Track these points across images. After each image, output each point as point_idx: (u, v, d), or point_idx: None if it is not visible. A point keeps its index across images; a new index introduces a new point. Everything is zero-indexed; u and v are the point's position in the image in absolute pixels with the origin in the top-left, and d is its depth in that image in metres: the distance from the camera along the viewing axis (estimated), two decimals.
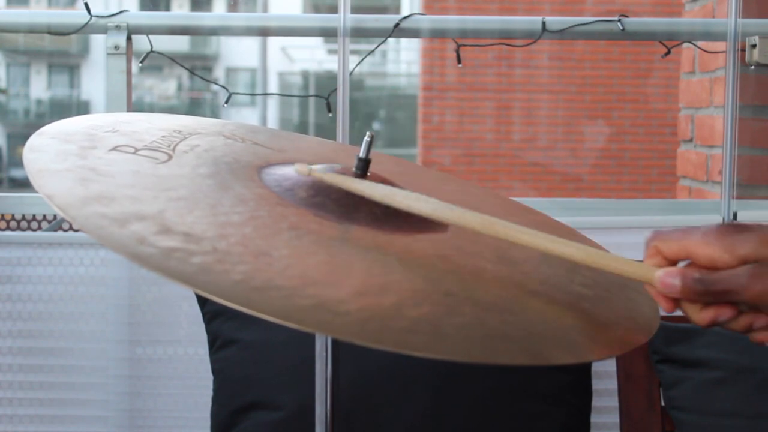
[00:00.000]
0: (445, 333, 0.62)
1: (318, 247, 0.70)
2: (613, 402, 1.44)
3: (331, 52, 14.00)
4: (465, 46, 1.72)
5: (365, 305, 0.62)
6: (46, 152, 0.74)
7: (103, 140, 0.79)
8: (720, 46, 1.77)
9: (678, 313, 0.71)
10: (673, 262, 0.69)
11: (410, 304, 0.64)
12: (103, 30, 1.67)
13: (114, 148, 0.78)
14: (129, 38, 1.67)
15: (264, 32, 1.92)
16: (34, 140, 0.76)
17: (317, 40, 13.71)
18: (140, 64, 1.74)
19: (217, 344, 1.39)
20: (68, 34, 1.69)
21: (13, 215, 1.78)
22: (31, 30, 1.73)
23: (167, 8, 18.36)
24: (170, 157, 0.79)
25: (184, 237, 0.64)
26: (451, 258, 0.75)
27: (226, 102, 1.78)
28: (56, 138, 0.77)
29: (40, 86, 19.79)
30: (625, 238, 1.63)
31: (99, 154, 0.76)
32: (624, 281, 0.78)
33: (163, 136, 0.84)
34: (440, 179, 1.04)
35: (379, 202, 0.76)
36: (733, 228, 0.67)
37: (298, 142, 1.00)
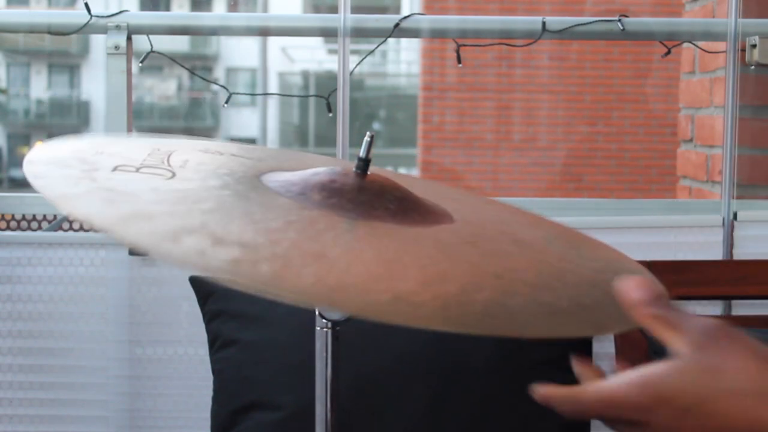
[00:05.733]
0: (515, 312, 0.64)
1: (362, 244, 0.69)
2: None
3: (331, 52, 14.00)
4: (465, 46, 1.72)
5: (436, 294, 0.62)
6: (54, 177, 0.72)
7: (97, 163, 0.77)
8: (720, 46, 1.77)
9: None
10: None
11: (472, 289, 0.65)
12: (103, 30, 1.67)
13: (116, 168, 0.76)
14: (129, 38, 1.67)
15: (264, 32, 1.93)
16: (32, 168, 0.73)
17: (317, 40, 13.71)
18: (140, 64, 1.74)
19: (217, 344, 1.39)
20: (68, 34, 1.69)
21: (13, 215, 1.78)
22: (31, 30, 1.73)
23: (167, 8, 18.36)
24: (173, 173, 0.77)
25: (240, 246, 0.63)
26: (477, 244, 0.75)
27: (227, 102, 1.78)
28: (52, 164, 0.75)
29: (40, 86, 19.79)
30: (625, 238, 1.62)
31: (105, 175, 0.74)
32: (630, 267, 0.79)
33: (149, 154, 0.82)
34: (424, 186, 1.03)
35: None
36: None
37: (272, 152, 0.99)
